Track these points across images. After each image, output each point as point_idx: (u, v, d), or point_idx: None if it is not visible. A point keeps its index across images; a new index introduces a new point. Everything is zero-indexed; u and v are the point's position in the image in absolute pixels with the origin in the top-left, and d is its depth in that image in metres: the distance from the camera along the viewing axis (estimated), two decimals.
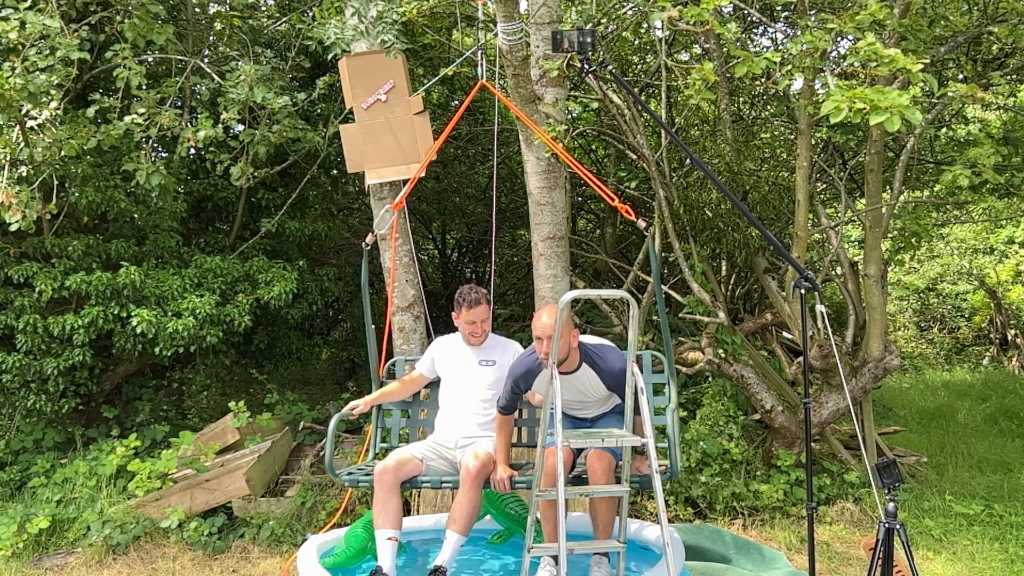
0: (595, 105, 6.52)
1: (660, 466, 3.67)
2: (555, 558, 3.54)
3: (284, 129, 5.65)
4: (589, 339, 3.77)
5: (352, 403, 4.04)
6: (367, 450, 4.39)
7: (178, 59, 5.91)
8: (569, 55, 5.10)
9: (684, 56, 7.48)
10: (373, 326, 4.29)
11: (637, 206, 8.07)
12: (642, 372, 3.78)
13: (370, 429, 4.22)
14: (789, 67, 3.93)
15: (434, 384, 4.24)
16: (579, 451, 3.74)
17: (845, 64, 3.96)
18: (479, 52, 5.00)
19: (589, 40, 3.56)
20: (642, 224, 4.36)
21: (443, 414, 4.05)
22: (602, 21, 6.26)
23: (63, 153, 5.15)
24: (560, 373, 3.76)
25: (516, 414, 3.94)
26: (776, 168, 7.24)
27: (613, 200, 4.36)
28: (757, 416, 6.13)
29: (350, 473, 3.81)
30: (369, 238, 4.37)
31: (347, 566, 3.82)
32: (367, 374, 4.37)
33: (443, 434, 3.97)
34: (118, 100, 5.24)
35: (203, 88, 6.17)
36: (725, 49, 6.31)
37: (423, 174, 5.12)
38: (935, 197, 7.44)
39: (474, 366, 4.02)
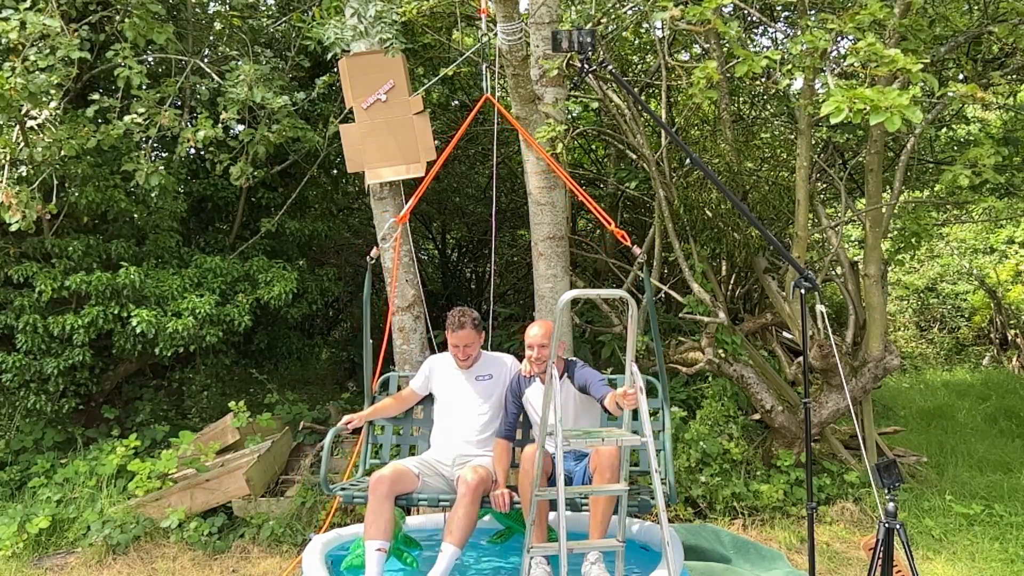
0: (595, 105, 6.52)
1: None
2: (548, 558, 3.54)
3: (284, 129, 5.65)
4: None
5: (347, 417, 4.04)
6: (355, 465, 4.36)
7: (178, 59, 5.91)
8: (569, 55, 5.10)
9: (684, 56, 7.48)
10: (371, 340, 4.30)
11: (637, 206, 8.07)
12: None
13: (360, 444, 4.21)
14: (789, 66, 3.93)
15: (427, 401, 4.24)
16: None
17: (845, 64, 3.96)
18: (483, 66, 5.01)
19: (589, 40, 3.56)
20: (637, 251, 4.36)
21: (440, 431, 4.03)
22: (602, 21, 6.26)
23: (63, 153, 5.15)
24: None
25: (516, 435, 3.99)
26: (776, 168, 7.23)
27: (610, 224, 4.38)
28: (757, 416, 6.13)
29: (344, 489, 3.79)
30: (375, 251, 4.38)
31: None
32: (362, 379, 4.38)
33: (440, 452, 3.95)
34: (118, 100, 5.24)
35: (203, 88, 6.16)
36: (725, 49, 6.32)
37: (423, 177, 5.11)
38: (935, 197, 7.43)
39: (470, 382, 4.02)
